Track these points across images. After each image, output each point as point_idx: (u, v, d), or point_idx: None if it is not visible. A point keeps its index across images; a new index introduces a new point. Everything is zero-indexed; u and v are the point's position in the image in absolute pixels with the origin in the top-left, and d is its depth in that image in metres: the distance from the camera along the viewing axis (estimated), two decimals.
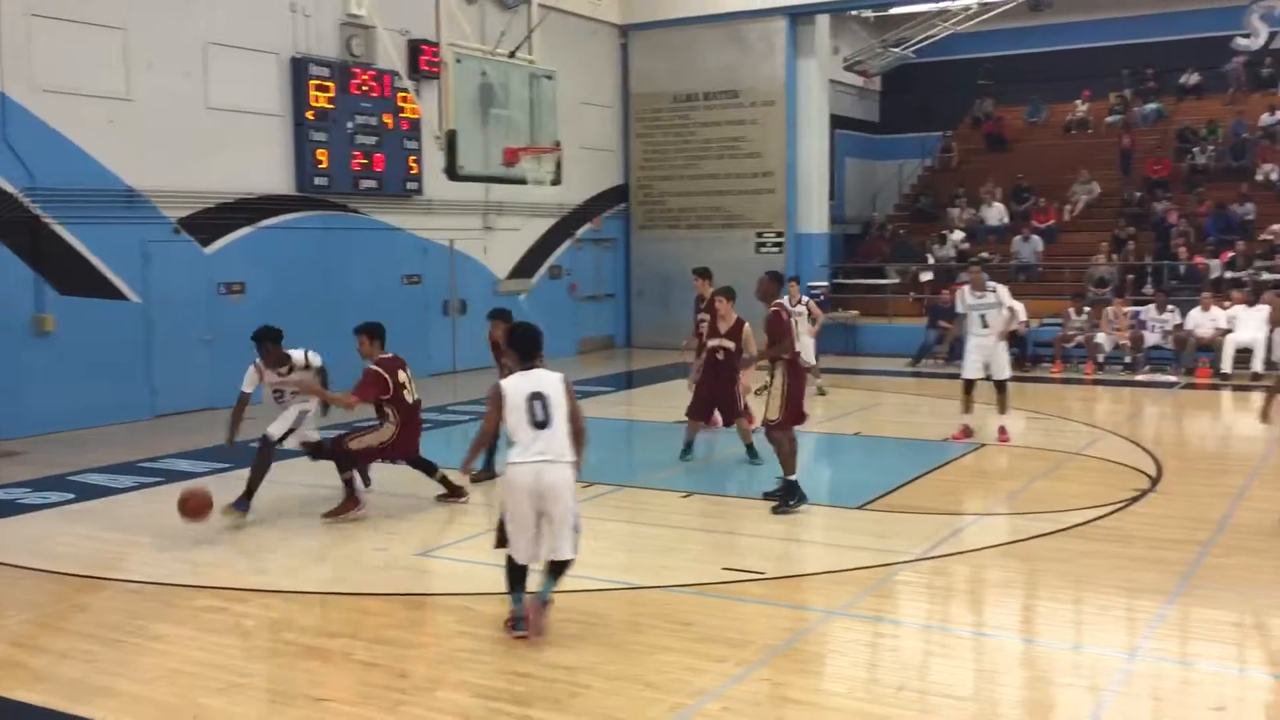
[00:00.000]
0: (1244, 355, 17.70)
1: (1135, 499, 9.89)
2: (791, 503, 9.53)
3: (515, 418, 6.40)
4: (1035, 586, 7.79)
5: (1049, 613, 7.32)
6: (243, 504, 9.36)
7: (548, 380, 6.53)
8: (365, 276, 17.80)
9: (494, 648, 6.49)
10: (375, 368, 9.60)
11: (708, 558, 8.45)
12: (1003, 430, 12.56)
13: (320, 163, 16.81)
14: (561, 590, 7.46)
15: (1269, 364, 17.05)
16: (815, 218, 23.25)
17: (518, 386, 6.46)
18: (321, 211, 17.19)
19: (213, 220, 15.71)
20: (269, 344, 9.65)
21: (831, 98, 24.40)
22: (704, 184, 23.34)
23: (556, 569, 6.59)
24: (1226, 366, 17.65)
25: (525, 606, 6.55)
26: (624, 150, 24.05)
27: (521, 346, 6.65)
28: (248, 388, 9.56)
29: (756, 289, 9.94)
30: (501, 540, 6.55)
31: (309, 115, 16.62)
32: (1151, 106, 26.50)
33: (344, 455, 9.51)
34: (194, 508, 8.71)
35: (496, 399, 6.47)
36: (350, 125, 17.23)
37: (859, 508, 9.82)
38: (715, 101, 23.08)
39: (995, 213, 24.48)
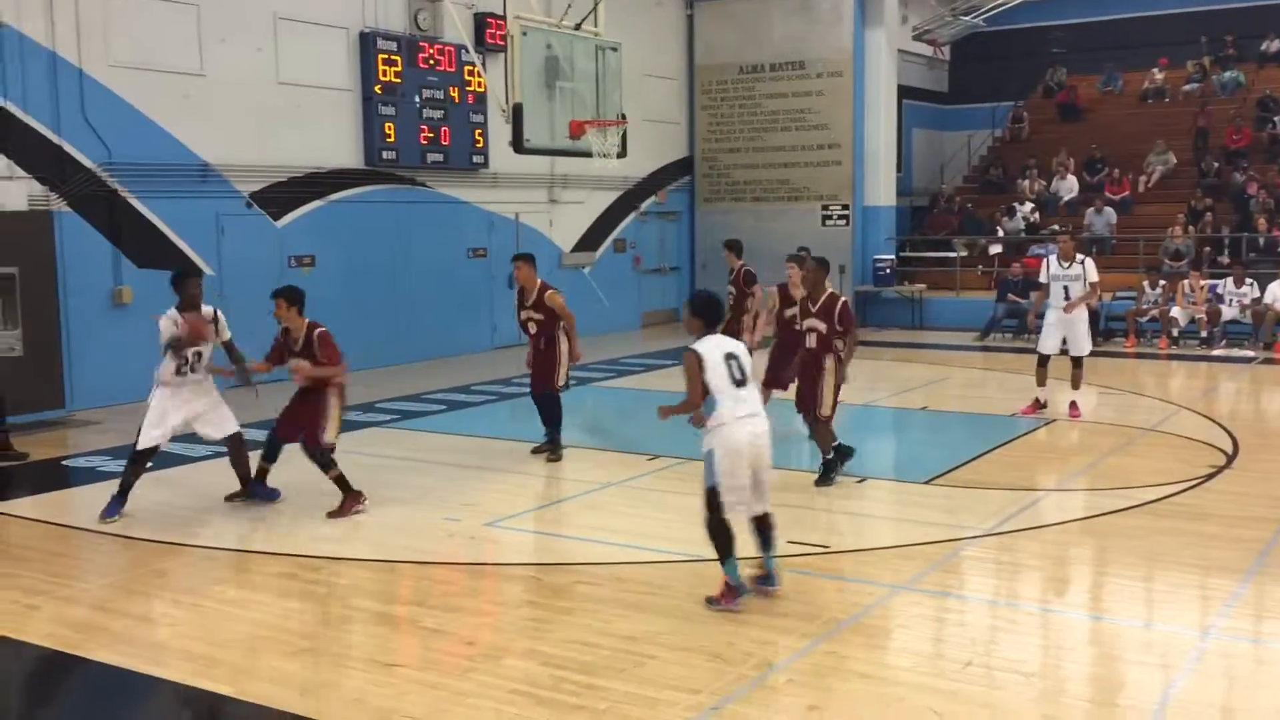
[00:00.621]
0: None
1: (1211, 476, 9.70)
2: (835, 475, 9.56)
3: (717, 378, 6.52)
4: (1106, 563, 7.69)
5: (1120, 590, 7.22)
6: (113, 509, 8.72)
7: (731, 343, 6.72)
8: (432, 249, 17.96)
9: (560, 618, 6.56)
10: (326, 329, 8.89)
11: None
12: (1074, 406, 12.35)
13: (388, 136, 16.96)
14: (628, 561, 7.55)
15: None
16: (882, 190, 22.99)
17: (712, 348, 6.60)
18: (389, 185, 17.35)
19: (284, 194, 15.94)
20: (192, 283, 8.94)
21: (900, 68, 24.05)
22: (769, 156, 23.17)
23: (766, 533, 6.75)
24: None
25: (744, 577, 6.63)
26: (689, 123, 23.94)
27: (705, 314, 6.75)
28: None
29: (804, 277, 9.76)
30: (714, 507, 6.54)
31: (377, 89, 16.76)
32: (1230, 74, 25.74)
33: (325, 452, 8.79)
34: (191, 331, 8.62)
35: (697, 362, 6.54)
36: (417, 99, 17.35)
37: (926, 483, 9.74)
38: (781, 73, 22.87)
39: (1068, 184, 24.01)
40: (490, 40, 17.91)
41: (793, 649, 5.99)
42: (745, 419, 6.51)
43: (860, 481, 9.82)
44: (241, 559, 8.00)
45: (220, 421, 9.12)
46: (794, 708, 5.35)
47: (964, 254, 23.00)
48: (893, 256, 22.56)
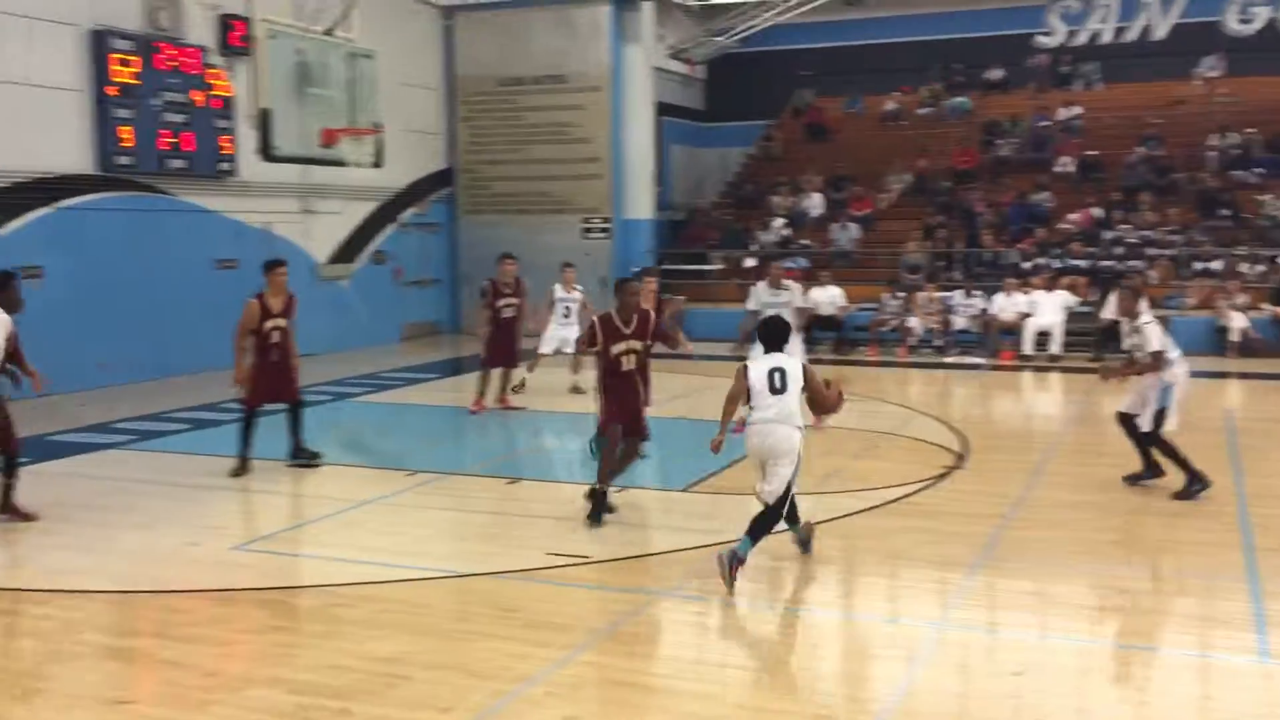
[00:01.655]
0: (1044, 338, 18.67)
1: (943, 476, 10.31)
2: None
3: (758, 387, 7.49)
4: (853, 562, 8.03)
5: (866, 587, 7.56)
6: None
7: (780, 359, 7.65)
8: (175, 260, 17.02)
9: (310, 642, 6.31)
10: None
11: (534, 543, 8.39)
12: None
13: (124, 141, 15.94)
14: (384, 580, 7.36)
15: (1103, 350, 16.84)
16: (642, 204, 23.42)
17: (759, 363, 7.67)
18: (127, 192, 16.33)
19: (5, 201, 14.75)
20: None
21: (657, 85, 24.59)
22: (531, 169, 23.21)
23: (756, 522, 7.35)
24: (1027, 349, 18.60)
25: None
26: (449, 133, 23.69)
27: (768, 339, 7.80)
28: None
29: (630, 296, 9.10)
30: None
31: (111, 91, 15.74)
32: (959, 100, 27.63)
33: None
34: None
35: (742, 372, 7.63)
36: (157, 102, 16.42)
37: (684, 490, 9.94)
38: (542, 86, 22.96)
39: (814, 201, 25.13)
40: (236, 43, 17.14)
41: (550, 660, 5.96)
42: (761, 424, 7.46)
43: (621, 491, 9.91)
44: None
45: None
46: (550, 719, 5.32)
47: (721, 267, 23.69)
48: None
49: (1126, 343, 9.81)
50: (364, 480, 10.31)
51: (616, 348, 8.96)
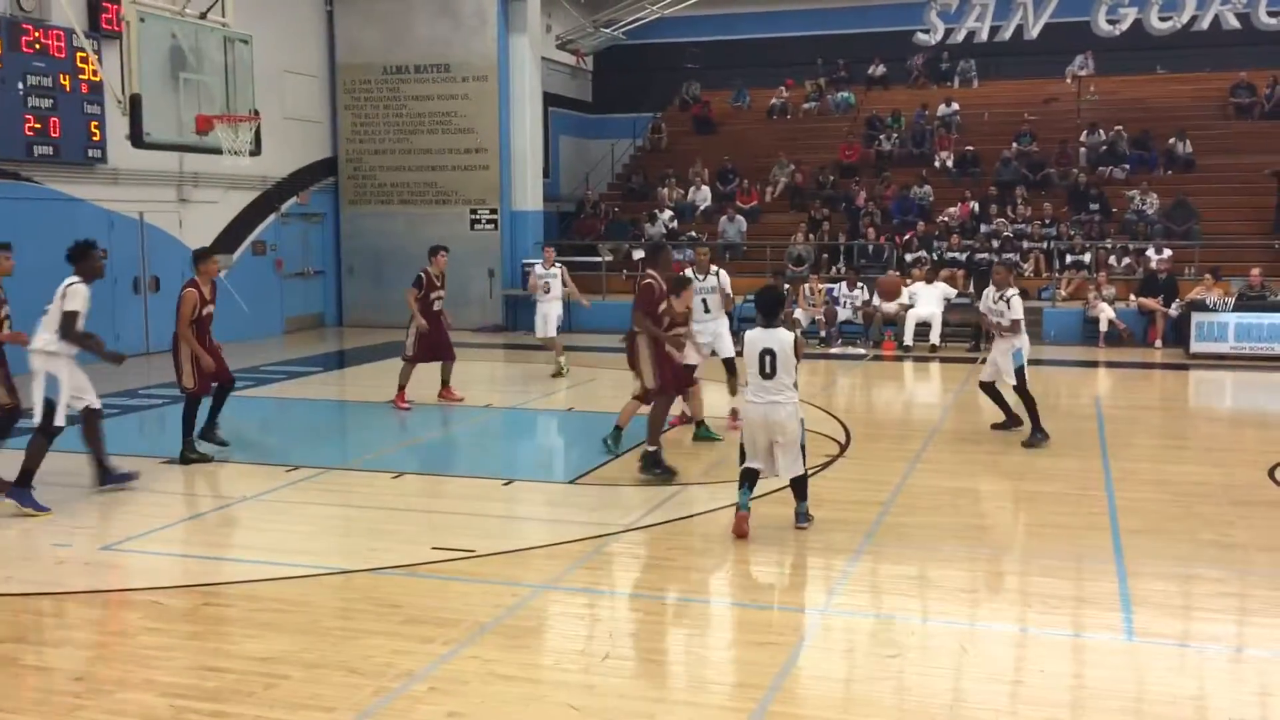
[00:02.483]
0: (923, 329, 19.11)
1: (827, 464, 10.48)
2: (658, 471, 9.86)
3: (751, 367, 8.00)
4: (737, 551, 8.08)
5: (749, 575, 7.62)
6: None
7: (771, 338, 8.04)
8: (41, 251, 16.09)
9: (184, 644, 6.12)
10: None
11: (419, 538, 8.28)
12: (735, 414, 11.73)
13: None
14: (262, 578, 7.19)
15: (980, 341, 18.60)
16: (529, 195, 23.28)
17: (753, 340, 8.07)
18: None
19: None
20: None
21: (545, 76, 24.48)
22: (417, 159, 22.90)
23: (795, 490, 8.23)
24: (908, 339, 19.01)
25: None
26: (332, 122, 23.22)
27: (765, 307, 8.14)
28: None
29: None
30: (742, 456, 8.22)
31: None
32: (843, 95, 28.10)
33: None
34: None
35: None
36: (21, 86, 15.74)
37: (571, 482, 9.92)
38: (427, 75, 22.66)
39: (702, 194, 25.30)
40: (105, 26, 16.54)
41: (434, 656, 5.88)
42: (761, 403, 7.95)
43: (507, 484, 9.86)
44: None
45: None
46: (434, 715, 5.25)
47: (609, 259, 23.70)
48: (539, 261, 22.83)
49: (986, 306, 11.64)
50: (242, 477, 10.05)
51: (667, 312, 10.14)
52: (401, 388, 13.35)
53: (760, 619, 6.70)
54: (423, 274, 13.39)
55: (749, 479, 8.18)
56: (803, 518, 8.26)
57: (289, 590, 6.98)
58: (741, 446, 8.25)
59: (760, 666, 5.92)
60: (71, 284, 9.05)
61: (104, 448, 9.30)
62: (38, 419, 8.79)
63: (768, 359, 7.97)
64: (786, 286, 19.20)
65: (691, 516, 8.77)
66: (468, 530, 8.48)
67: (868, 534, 8.19)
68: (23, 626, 6.55)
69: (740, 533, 8.03)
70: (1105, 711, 5.35)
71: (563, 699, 5.40)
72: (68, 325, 8.87)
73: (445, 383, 13.73)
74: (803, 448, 8.17)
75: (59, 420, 8.81)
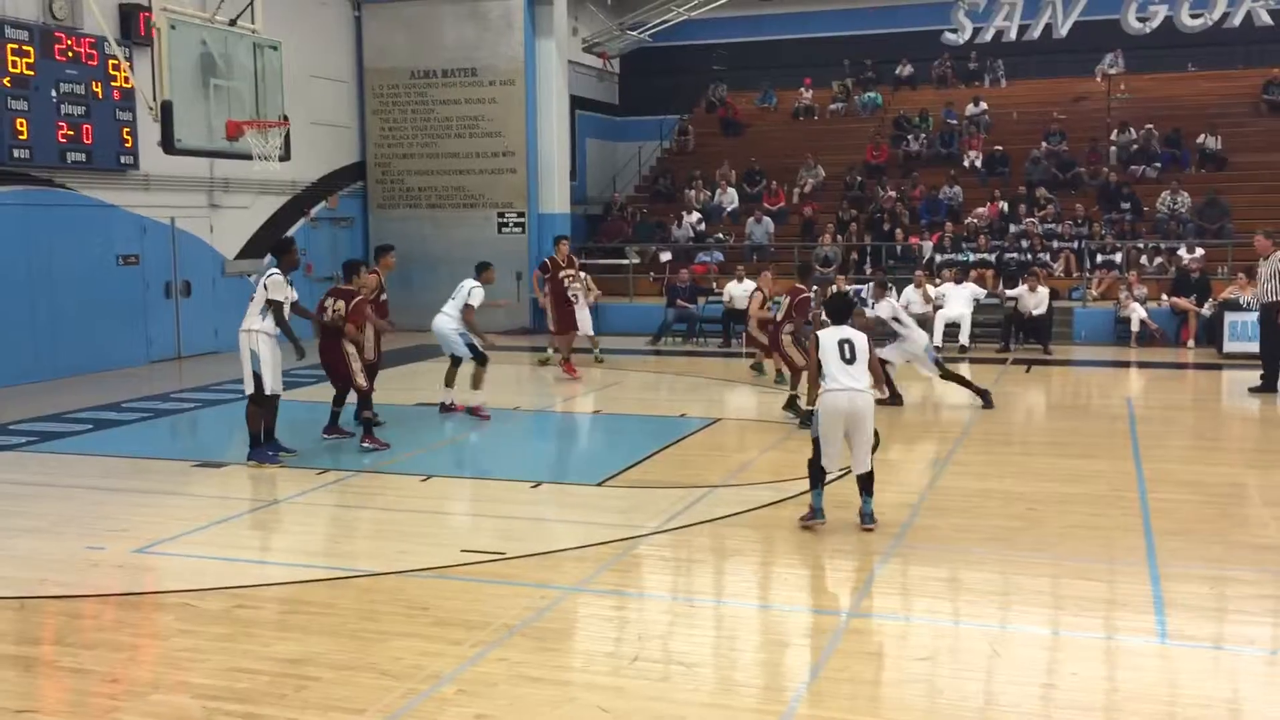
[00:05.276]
0: (953, 330, 19.00)
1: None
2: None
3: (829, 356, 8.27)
4: (765, 554, 8.08)
5: (777, 578, 7.61)
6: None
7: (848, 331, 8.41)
8: (75, 256, 16.54)
9: (217, 645, 6.17)
10: None
11: (448, 541, 8.33)
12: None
13: (20, 133, 15.44)
14: (293, 581, 7.24)
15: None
16: (556, 198, 23.32)
17: (828, 334, 8.41)
18: (23, 186, 15.83)
19: None
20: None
21: (571, 78, 24.51)
22: (444, 163, 23.00)
23: (864, 485, 8.29)
24: (937, 340, 18.88)
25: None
26: (360, 127, 23.36)
27: (835, 314, 8.58)
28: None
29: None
30: (815, 453, 8.31)
31: (5, 82, 15.23)
32: (870, 95, 28.00)
33: None
34: None
35: (815, 343, 8.48)
36: (54, 94, 15.92)
37: (599, 484, 9.92)
38: (454, 79, 22.75)
39: (729, 196, 25.26)
40: (138, 34, 16.70)
41: (463, 658, 5.90)
42: (843, 390, 8.14)
43: (535, 486, 9.88)
44: None
45: None
46: (463, 717, 5.26)
47: (636, 261, 23.72)
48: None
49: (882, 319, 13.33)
50: (273, 480, 10.12)
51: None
52: (566, 360, 16.01)
53: (789, 621, 6.68)
54: (548, 260, 16.21)
55: (822, 479, 8.33)
56: (869, 518, 8.29)
57: (320, 592, 7.02)
58: (815, 442, 8.29)
59: (789, 669, 5.90)
60: (272, 275, 10.25)
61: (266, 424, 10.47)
62: (249, 390, 10.23)
63: (846, 346, 8.26)
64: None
65: (720, 519, 8.75)
66: (497, 533, 8.51)
67: (897, 536, 8.16)
68: (60, 629, 6.62)
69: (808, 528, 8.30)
70: (1138, 715, 5.30)
71: (592, 701, 5.40)
72: (277, 313, 10.25)
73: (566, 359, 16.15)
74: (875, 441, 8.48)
75: (268, 390, 10.16)
